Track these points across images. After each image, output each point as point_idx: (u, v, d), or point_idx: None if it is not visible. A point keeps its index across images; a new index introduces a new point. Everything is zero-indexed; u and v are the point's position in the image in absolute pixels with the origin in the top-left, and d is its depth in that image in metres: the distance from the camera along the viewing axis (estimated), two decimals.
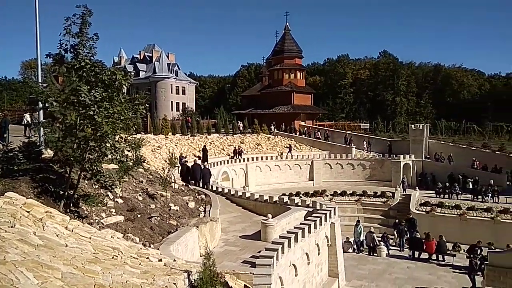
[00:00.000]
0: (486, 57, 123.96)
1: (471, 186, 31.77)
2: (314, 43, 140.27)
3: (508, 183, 33.13)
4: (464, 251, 22.38)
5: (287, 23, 53.24)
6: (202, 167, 22.60)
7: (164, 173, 15.26)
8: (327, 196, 32.46)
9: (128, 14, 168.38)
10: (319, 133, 45.97)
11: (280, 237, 11.71)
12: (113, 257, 6.88)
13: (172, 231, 11.83)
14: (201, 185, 21.00)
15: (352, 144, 41.70)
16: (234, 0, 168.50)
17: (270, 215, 14.25)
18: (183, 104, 66.47)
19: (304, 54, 54.74)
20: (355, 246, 23.77)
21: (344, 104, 78.24)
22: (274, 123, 46.77)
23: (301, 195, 30.23)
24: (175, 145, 32.56)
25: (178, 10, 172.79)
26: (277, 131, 46.00)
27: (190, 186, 20.00)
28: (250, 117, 50.09)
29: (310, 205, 16.92)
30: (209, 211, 15.70)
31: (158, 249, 9.59)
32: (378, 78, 78.07)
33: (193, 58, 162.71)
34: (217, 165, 30.29)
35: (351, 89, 79.29)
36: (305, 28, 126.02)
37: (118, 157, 9.73)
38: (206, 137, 37.98)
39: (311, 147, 43.56)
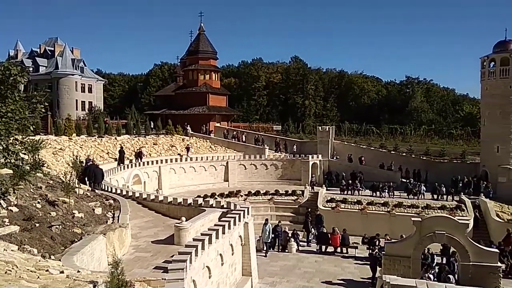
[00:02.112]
0: (383, 66, 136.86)
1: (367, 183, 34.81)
2: (229, 45, 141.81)
3: (401, 179, 36.91)
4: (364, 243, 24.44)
5: (202, 24, 53.02)
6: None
7: (66, 177, 14.12)
8: (241, 196, 33.01)
9: (28, 3, 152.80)
10: (243, 136, 46.25)
11: (194, 239, 11.63)
12: (6, 272, 6.22)
13: (76, 240, 11.03)
14: (92, 186, 19.74)
15: (265, 145, 43.04)
16: None
17: (184, 218, 14.06)
18: (90, 103, 62.31)
19: (219, 56, 55.02)
20: (264, 247, 23.12)
21: (258, 106, 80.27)
22: (186, 123, 46.16)
23: (216, 196, 30.33)
24: (80, 147, 30.38)
25: (84, 2, 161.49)
26: (192, 132, 45.52)
27: (97, 191, 18.83)
28: (164, 118, 48.81)
29: (225, 206, 17.08)
30: (118, 217, 14.95)
31: (60, 260, 8.88)
32: (290, 82, 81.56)
33: (101, 55, 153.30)
34: (128, 167, 28.96)
35: (264, 91, 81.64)
36: (220, 30, 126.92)
37: (12, 161, 8.80)
38: (116, 138, 36.10)
39: (226, 148, 43.92)
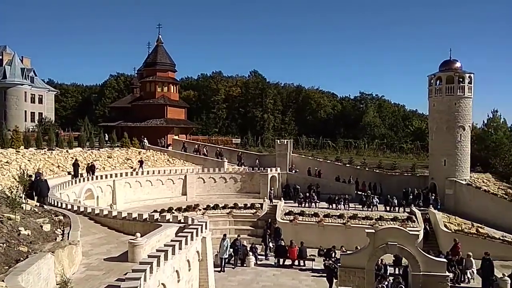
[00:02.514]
0: (338, 82, 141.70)
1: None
2: (187, 58, 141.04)
3: (356, 191, 38.03)
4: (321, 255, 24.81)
5: (160, 36, 52.58)
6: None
7: (12, 192, 13.30)
8: (200, 210, 32.55)
9: None
10: (205, 149, 45.77)
11: (149, 256, 11.28)
12: None
13: (22, 258, 10.35)
14: (39, 200, 18.81)
15: (224, 158, 42.91)
16: (101, 4, 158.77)
17: (139, 234, 13.61)
18: (40, 114, 59.55)
19: (178, 68, 54.60)
20: (222, 263, 22.49)
21: (217, 119, 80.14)
22: (143, 136, 45.12)
23: (173, 211, 29.66)
24: (28, 160, 28.83)
25: (35, 10, 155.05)
26: (149, 145, 44.54)
27: (45, 206, 17.87)
28: (120, 130, 47.50)
29: (182, 221, 16.73)
30: (68, 233, 14.23)
31: (3, 281, 8.30)
32: (249, 96, 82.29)
33: (54, 64, 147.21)
34: (79, 182, 27.77)
35: (224, 104, 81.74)
36: (179, 42, 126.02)
37: None
38: (67, 151, 34.59)
39: (185, 161, 43.32)
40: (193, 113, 72.46)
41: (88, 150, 37.32)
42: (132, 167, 37.06)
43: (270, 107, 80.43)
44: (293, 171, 41.01)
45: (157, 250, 11.93)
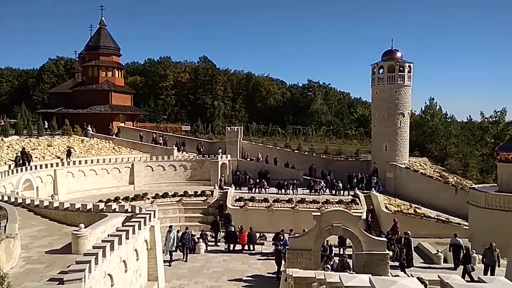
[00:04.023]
0: (287, 69, 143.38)
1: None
2: (133, 42, 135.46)
3: (304, 177, 39.11)
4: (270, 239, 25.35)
5: (103, 18, 50.10)
6: None
7: None
8: (148, 199, 31.92)
9: None
10: (159, 138, 44.40)
11: (94, 247, 10.97)
12: None
13: None
14: None
15: (174, 146, 42.20)
16: None
17: (82, 225, 13.16)
18: None
19: (123, 53, 52.47)
20: (168, 256, 21.14)
21: (166, 106, 78.24)
22: (86, 123, 43.08)
23: (120, 201, 28.81)
24: None
25: None
26: (93, 133, 42.66)
27: None
28: (61, 117, 45.09)
29: (129, 210, 16.38)
30: (5, 226, 13.45)
31: None
32: (198, 82, 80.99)
33: None
34: (16, 172, 26.10)
35: (172, 91, 79.81)
36: (124, 26, 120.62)
37: None
38: (3, 139, 32.32)
39: (132, 149, 42.04)
40: (140, 99, 70.22)
41: (26, 138, 35.10)
42: (58, 157, 33.77)
43: (220, 94, 79.89)
44: (248, 159, 41.04)
45: (103, 241, 11.65)
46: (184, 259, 22.04)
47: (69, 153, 34.04)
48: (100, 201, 23.69)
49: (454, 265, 21.20)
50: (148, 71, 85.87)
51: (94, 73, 48.98)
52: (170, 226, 22.78)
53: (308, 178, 37.93)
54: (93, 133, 42.57)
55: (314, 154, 43.70)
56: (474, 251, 22.06)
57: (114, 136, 44.05)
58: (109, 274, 11.14)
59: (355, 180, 36.54)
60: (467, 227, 28.60)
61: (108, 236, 12.45)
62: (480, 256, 20.79)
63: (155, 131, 47.96)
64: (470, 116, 57.20)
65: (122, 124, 48.66)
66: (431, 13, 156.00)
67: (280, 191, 34.07)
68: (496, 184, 28.85)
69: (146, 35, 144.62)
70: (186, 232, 23.08)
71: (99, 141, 41.38)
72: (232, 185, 36.06)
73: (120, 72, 51.75)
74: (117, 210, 16.47)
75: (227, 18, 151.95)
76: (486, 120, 50.60)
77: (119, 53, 51.56)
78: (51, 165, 30.34)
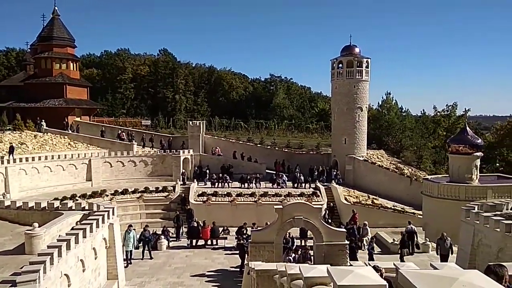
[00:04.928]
0: (249, 63, 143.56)
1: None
2: (88, 33, 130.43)
3: (267, 170, 39.42)
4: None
5: (56, 7, 47.77)
6: None
7: None
8: (107, 196, 30.96)
9: None
10: (123, 134, 43.01)
11: (49, 247, 10.53)
12: None
13: None
14: None
15: (134, 141, 41.17)
16: None
17: (36, 224, 12.62)
18: None
19: (78, 44, 50.30)
20: (128, 256, 20.32)
21: (125, 100, 75.95)
22: (39, 118, 41.05)
23: (77, 198, 27.80)
24: None
25: None
26: (47, 128, 40.74)
27: None
28: (11, 111, 42.73)
29: (86, 208, 15.85)
30: None
31: None
32: (158, 76, 79.17)
33: None
34: None
35: (131, 84, 77.52)
36: (78, 16, 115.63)
37: None
38: None
39: (89, 145, 40.59)
40: (97, 93, 67.68)
41: None
42: (3, 150, 31.46)
43: (182, 87, 78.57)
44: (217, 155, 40.57)
45: (58, 240, 11.21)
46: (149, 257, 21.56)
47: (11, 150, 31.42)
48: (56, 199, 22.79)
49: (410, 251, 22.27)
50: (105, 63, 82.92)
51: (47, 65, 46.69)
52: (129, 226, 21.72)
53: (272, 172, 38.27)
54: (46, 128, 40.67)
55: (277, 148, 44.14)
56: (428, 239, 23.24)
57: (70, 131, 42.30)
58: (65, 274, 10.75)
59: (316, 173, 37.28)
60: (421, 216, 29.99)
61: (64, 235, 11.99)
62: (434, 244, 21.91)
63: (118, 127, 46.56)
64: (423, 110, 59.79)
65: (78, 119, 46.81)
66: (387, 11, 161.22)
67: (243, 185, 34.15)
68: (448, 175, 30.38)
69: (102, 26, 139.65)
70: (146, 230, 22.52)
71: (53, 137, 39.61)
72: (195, 180, 35.72)
73: (75, 64, 49.66)
74: (73, 208, 15.91)
75: (189, 11, 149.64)
76: (438, 113, 53.19)
77: (74, 45, 49.43)
78: (2, 162, 28.73)
